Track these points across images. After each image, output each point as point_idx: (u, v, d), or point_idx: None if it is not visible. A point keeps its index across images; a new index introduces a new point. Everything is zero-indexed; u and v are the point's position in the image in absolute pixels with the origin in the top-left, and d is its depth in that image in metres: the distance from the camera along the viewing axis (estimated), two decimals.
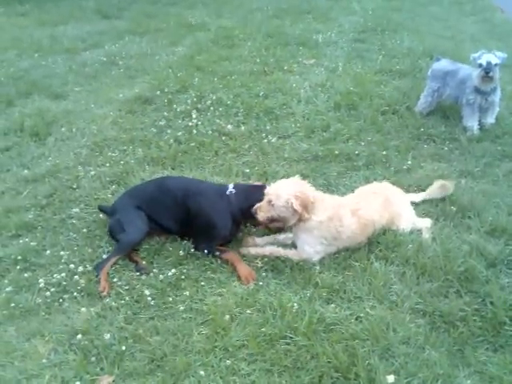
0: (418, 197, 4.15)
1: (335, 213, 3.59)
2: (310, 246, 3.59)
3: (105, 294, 3.42)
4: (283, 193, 3.52)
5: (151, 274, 3.55)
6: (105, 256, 3.72)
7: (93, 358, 2.96)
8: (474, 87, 5.02)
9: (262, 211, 3.59)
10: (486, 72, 4.85)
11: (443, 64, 5.47)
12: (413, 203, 4.04)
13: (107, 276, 3.54)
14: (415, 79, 6.45)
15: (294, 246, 3.72)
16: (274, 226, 3.81)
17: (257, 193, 3.72)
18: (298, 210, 3.48)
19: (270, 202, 3.55)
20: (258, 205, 3.61)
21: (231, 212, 3.76)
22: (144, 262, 3.69)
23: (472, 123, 5.10)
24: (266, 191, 3.61)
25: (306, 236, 3.61)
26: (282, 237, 3.83)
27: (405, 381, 2.75)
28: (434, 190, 4.15)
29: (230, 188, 3.83)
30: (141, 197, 3.94)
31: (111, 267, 3.61)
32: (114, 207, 3.97)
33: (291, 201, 3.48)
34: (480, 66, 4.89)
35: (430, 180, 4.32)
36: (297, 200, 3.48)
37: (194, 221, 3.80)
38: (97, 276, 3.52)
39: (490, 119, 5.19)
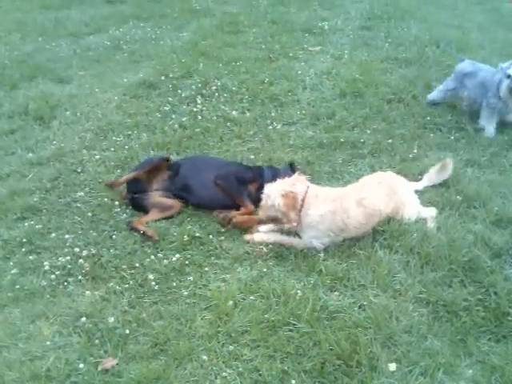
0: (420, 184, 4.13)
1: (338, 205, 3.57)
2: (317, 239, 3.59)
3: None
4: (272, 193, 3.56)
5: (155, 259, 3.56)
6: (109, 240, 3.76)
7: (97, 341, 2.98)
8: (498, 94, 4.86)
9: (262, 210, 3.66)
10: None
11: (464, 65, 5.30)
12: (417, 191, 4.02)
13: (119, 182, 4.12)
14: (422, 67, 6.40)
15: (297, 234, 3.72)
16: (278, 225, 3.80)
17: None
18: (283, 210, 3.51)
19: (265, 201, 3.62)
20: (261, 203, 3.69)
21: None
22: (151, 230, 3.73)
23: (489, 126, 4.94)
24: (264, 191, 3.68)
25: (311, 231, 3.60)
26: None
27: (406, 369, 2.76)
28: (433, 174, 4.15)
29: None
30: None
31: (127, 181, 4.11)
32: None
33: (277, 201, 3.51)
34: (508, 76, 4.73)
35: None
36: (283, 199, 3.51)
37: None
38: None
39: (510, 118, 5.06)
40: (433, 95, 5.54)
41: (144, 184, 4.09)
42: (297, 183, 3.64)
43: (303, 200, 3.58)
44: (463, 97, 5.34)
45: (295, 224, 3.62)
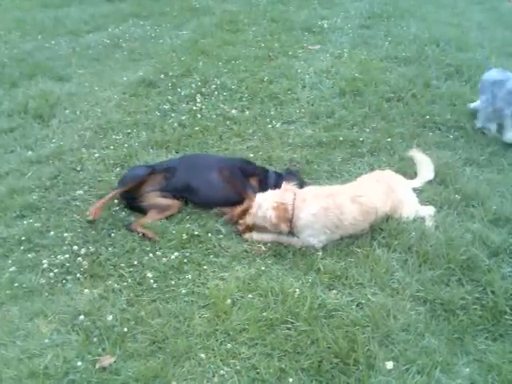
0: (417, 182, 4.14)
1: (331, 201, 3.58)
2: (314, 237, 3.60)
3: (91, 217, 3.76)
4: (263, 204, 3.60)
5: (154, 257, 3.56)
6: (108, 238, 3.77)
7: (95, 339, 2.99)
8: None
9: (250, 217, 3.70)
10: None
11: (491, 74, 5.00)
12: (415, 190, 4.03)
13: (101, 206, 3.87)
14: (421, 66, 6.39)
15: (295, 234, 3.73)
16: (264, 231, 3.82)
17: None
18: (274, 222, 3.56)
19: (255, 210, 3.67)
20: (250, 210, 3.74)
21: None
22: (151, 232, 3.73)
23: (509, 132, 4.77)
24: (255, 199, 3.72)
25: (307, 230, 3.61)
26: None
27: (404, 368, 2.77)
28: (420, 170, 4.21)
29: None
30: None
31: (110, 201, 4.01)
32: None
33: (268, 213, 3.56)
34: None
35: (435, 168, 4.30)
36: (274, 212, 3.55)
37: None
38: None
39: None
40: (480, 120, 5.04)
41: (135, 192, 4.04)
42: (285, 193, 3.67)
43: (293, 209, 3.61)
44: (496, 108, 4.88)
45: (286, 231, 3.66)
